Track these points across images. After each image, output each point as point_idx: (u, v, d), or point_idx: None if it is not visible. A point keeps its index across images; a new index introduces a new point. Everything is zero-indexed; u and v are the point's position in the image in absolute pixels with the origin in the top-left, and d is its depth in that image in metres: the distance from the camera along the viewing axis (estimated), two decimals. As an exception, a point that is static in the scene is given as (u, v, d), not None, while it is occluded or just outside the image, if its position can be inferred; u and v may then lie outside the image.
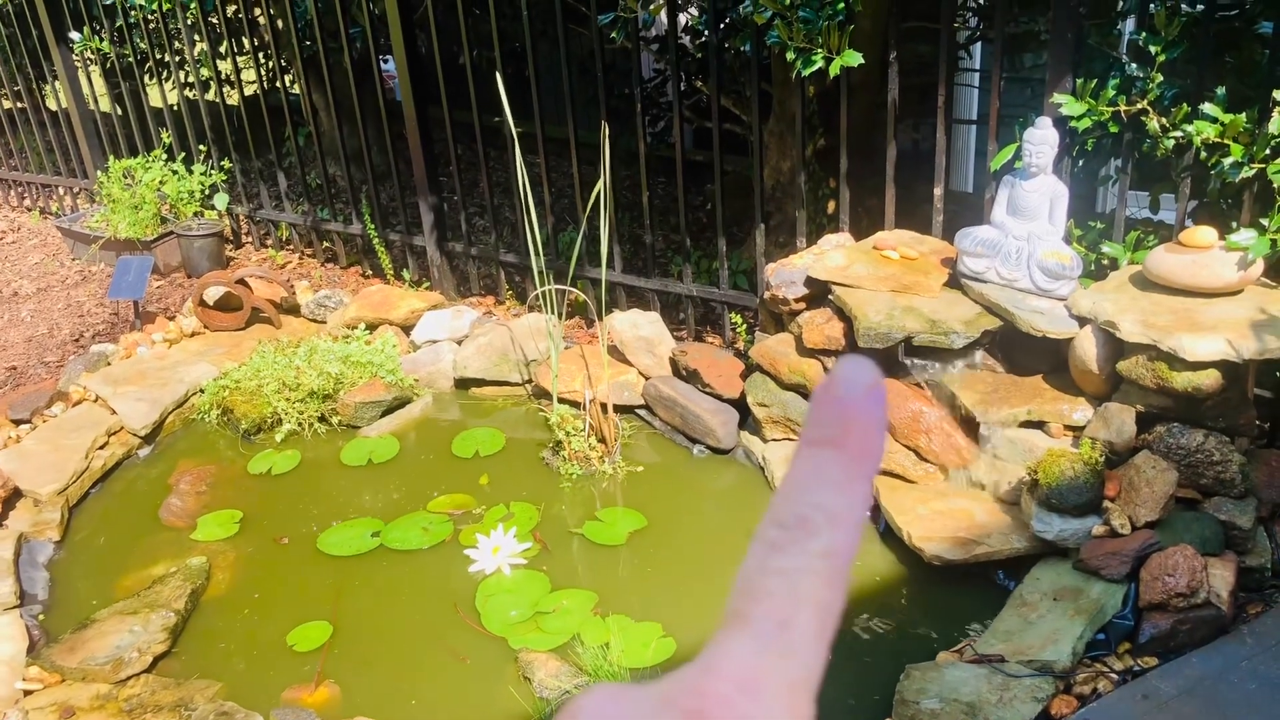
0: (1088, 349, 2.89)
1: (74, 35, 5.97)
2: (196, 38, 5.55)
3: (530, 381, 4.09)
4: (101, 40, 5.93)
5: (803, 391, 3.42)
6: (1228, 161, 2.81)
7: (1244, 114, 2.78)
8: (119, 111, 6.16)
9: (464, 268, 5.02)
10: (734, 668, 0.32)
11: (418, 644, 2.88)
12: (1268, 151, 2.75)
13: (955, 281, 3.27)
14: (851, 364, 0.35)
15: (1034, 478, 2.84)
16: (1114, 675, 2.46)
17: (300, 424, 3.96)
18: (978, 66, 5.49)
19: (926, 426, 3.12)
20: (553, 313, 3.99)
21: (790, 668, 0.32)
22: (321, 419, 4.00)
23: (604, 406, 3.67)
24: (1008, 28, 3.43)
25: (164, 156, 5.73)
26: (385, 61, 5.37)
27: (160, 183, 5.58)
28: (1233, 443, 2.76)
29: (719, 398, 3.70)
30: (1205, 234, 2.83)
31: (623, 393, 3.84)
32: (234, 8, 5.32)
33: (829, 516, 0.33)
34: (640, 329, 3.98)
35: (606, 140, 4.07)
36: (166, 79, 5.88)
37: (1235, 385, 2.76)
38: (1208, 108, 2.82)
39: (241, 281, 4.63)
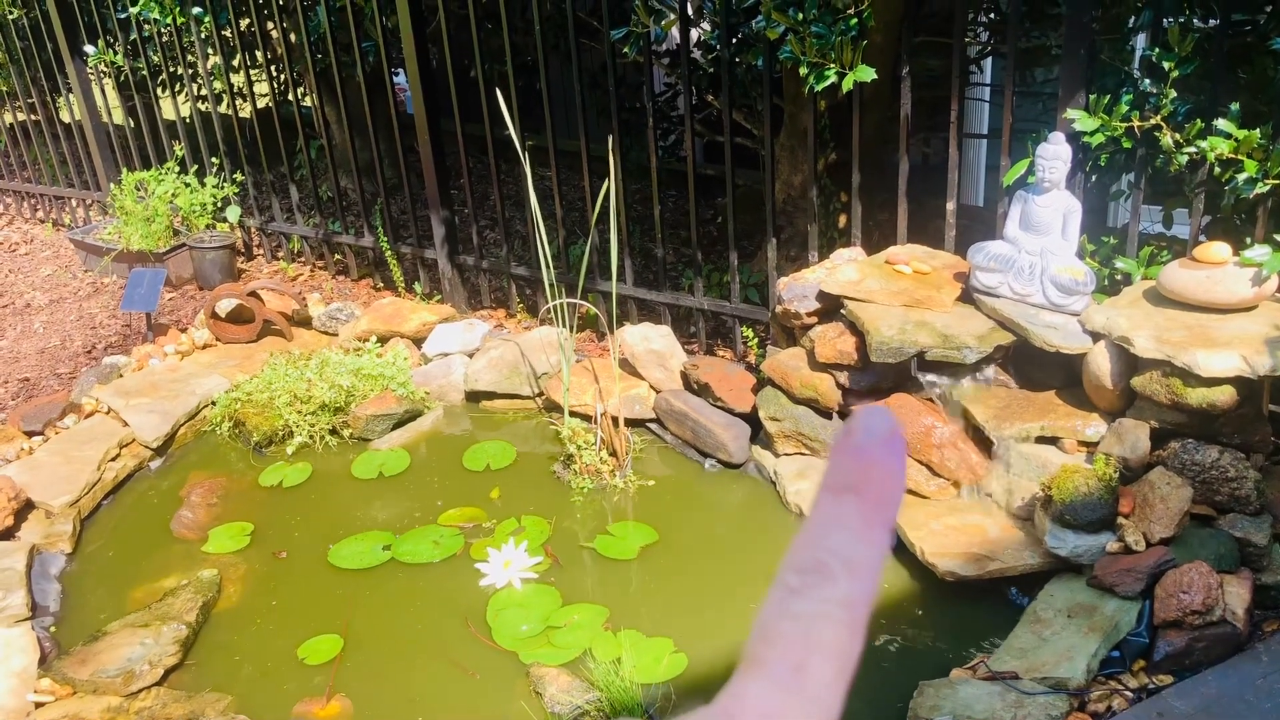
0: (1101, 364, 2.88)
1: (88, 49, 6.01)
2: (210, 51, 5.58)
3: (541, 395, 4.09)
4: (115, 53, 5.97)
5: (815, 406, 3.41)
6: (1242, 177, 2.81)
7: (1258, 130, 2.78)
8: (132, 124, 6.19)
9: (475, 280, 5.03)
10: (749, 711, 0.32)
11: (429, 658, 2.88)
12: (1282, 167, 2.74)
13: (968, 296, 3.27)
14: (870, 413, 0.36)
15: (1048, 493, 2.83)
16: (1129, 693, 2.44)
17: (311, 436, 3.96)
18: (988, 81, 5.49)
19: (939, 441, 3.11)
20: (564, 326, 3.99)
21: (806, 713, 0.32)
22: (333, 431, 4.00)
23: (615, 420, 3.67)
24: (1019, 43, 3.43)
25: (177, 169, 5.75)
26: (397, 74, 5.39)
27: (173, 195, 5.61)
28: (1248, 459, 2.75)
29: (730, 412, 3.69)
30: (1219, 250, 2.83)
31: (634, 406, 3.84)
32: (247, 21, 5.34)
33: (847, 564, 0.34)
34: (651, 342, 3.98)
35: (617, 153, 4.08)
36: (179, 92, 5.91)
37: (1250, 401, 2.75)
38: (1221, 124, 2.82)
39: (253, 294, 4.64)
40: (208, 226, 5.66)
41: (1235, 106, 2.84)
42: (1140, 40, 3.47)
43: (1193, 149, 2.88)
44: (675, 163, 5.99)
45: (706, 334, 4.28)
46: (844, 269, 3.45)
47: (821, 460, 3.45)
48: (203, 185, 5.70)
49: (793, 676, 0.32)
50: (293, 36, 5.51)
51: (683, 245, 5.52)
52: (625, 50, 3.88)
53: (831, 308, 3.41)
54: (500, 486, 3.64)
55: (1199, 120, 2.87)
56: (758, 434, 3.63)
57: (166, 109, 6.07)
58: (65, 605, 3.24)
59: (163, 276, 4.87)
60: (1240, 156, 2.81)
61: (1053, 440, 3.00)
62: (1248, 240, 2.90)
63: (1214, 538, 2.66)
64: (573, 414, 3.82)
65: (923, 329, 3.12)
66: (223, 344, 4.69)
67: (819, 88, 3.30)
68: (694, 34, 4.48)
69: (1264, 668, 2.44)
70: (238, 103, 5.63)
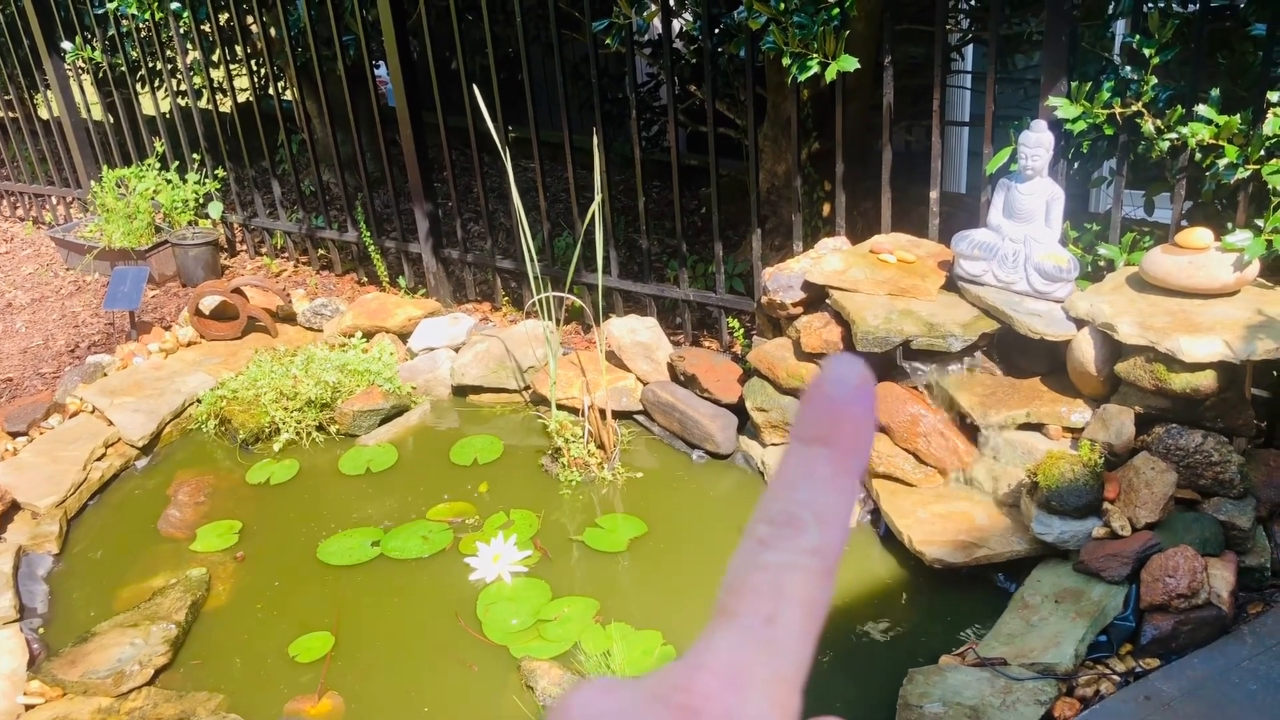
0: (1085, 351, 2.89)
1: (66, 45, 5.96)
2: (189, 46, 5.54)
3: (528, 388, 4.09)
4: (93, 49, 5.92)
5: (801, 395, 3.41)
6: (1223, 163, 2.83)
7: (1238, 115, 2.79)
8: (111, 120, 6.14)
9: (460, 274, 5.01)
10: (720, 662, 0.32)
11: (419, 653, 2.88)
12: (1262, 153, 2.76)
13: (952, 284, 3.28)
14: (840, 361, 0.36)
15: (1033, 480, 2.85)
16: (1116, 677, 2.46)
17: (298, 433, 3.95)
18: (969, 68, 5.50)
19: (925, 430, 3.12)
20: (550, 319, 3.99)
21: (776, 663, 0.32)
22: (319, 428, 3.99)
23: (602, 412, 3.67)
24: (1000, 29, 3.43)
25: (157, 165, 5.72)
26: (379, 68, 5.37)
27: (154, 192, 5.57)
28: (1231, 443, 2.77)
29: (717, 402, 3.70)
30: (1201, 235, 2.84)
31: (621, 398, 3.84)
32: (226, 16, 5.31)
33: (817, 514, 0.34)
34: (637, 334, 3.98)
35: (601, 145, 4.07)
36: (159, 87, 5.87)
37: (1233, 386, 2.77)
38: (1202, 109, 2.83)
39: (237, 290, 4.62)
40: (190, 223, 5.63)
41: (1215, 92, 2.85)
42: (1121, 26, 3.48)
43: (1174, 135, 2.90)
44: (659, 153, 5.99)
45: (692, 325, 4.29)
46: (829, 258, 3.45)
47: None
48: (184, 181, 5.67)
49: (763, 627, 0.32)
50: (273, 30, 5.48)
51: (667, 236, 5.52)
52: (608, 41, 3.87)
53: (817, 297, 3.42)
54: (488, 481, 3.64)
55: (1180, 106, 2.88)
56: (745, 424, 3.64)
57: (146, 105, 6.03)
58: (53, 606, 3.23)
59: (145, 274, 4.84)
60: (1221, 142, 2.82)
61: (1038, 427, 3.01)
62: (1229, 225, 2.92)
63: (1198, 522, 2.68)
64: (560, 407, 3.82)
65: (908, 318, 3.13)
66: (207, 341, 4.67)
67: (802, 78, 3.30)
68: (676, 25, 4.47)
69: (1249, 649, 2.46)
70: (218, 98, 5.59)
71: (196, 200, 5.66)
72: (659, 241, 5.48)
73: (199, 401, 4.16)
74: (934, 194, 3.51)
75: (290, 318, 4.84)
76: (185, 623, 3.03)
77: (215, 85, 5.75)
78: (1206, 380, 2.68)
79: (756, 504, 0.35)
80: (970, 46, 5.22)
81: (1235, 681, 2.37)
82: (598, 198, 3.73)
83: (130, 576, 3.31)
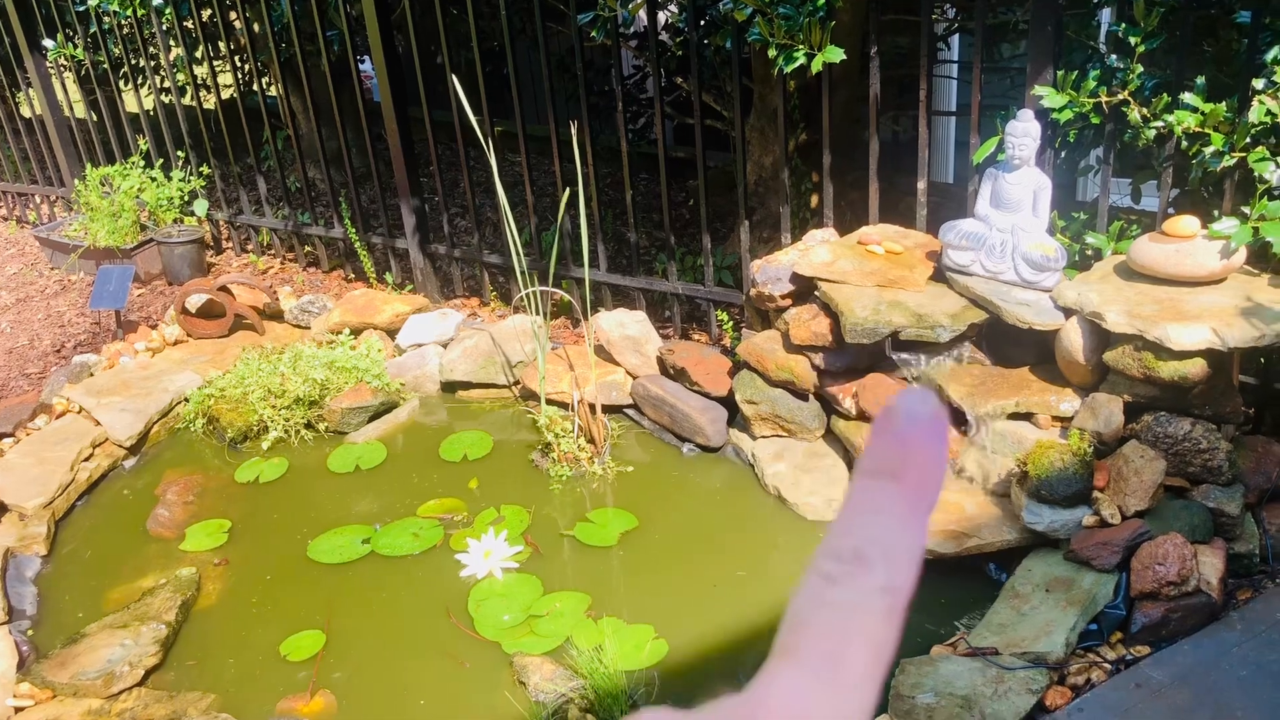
0: (1074, 340, 2.90)
1: (47, 42, 5.91)
2: (172, 43, 5.51)
3: (517, 383, 4.08)
4: (75, 47, 5.88)
5: (791, 388, 3.42)
6: (1208, 150, 2.83)
7: (1224, 103, 2.79)
8: (94, 118, 6.11)
9: (447, 269, 5.00)
10: (783, 701, 0.31)
11: (411, 651, 2.87)
12: (1248, 140, 2.76)
13: (940, 275, 3.28)
14: (911, 396, 0.35)
15: (1023, 469, 2.85)
16: (1107, 665, 2.47)
17: (287, 431, 3.94)
18: (955, 58, 5.50)
19: (915, 420, 3.12)
20: (538, 313, 3.98)
21: (840, 704, 0.31)
22: (308, 425, 3.98)
23: (592, 407, 3.67)
24: (986, 19, 3.43)
25: (142, 163, 5.69)
26: (363, 62, 5.34)
27: (139, 190, 5.54)
28: (1219, 430, 2.78)
29: (707, 396, 3.70)
30: (1188, 223, 2.85)
31: (610, 393, 3.84)
32: (209, 12, 5.27)
33: (885, 551, 0.33)
34: (626, 328, 3.97)
35: (587, 137, 4.06)
36: (142, 85, 5.84)
37: (1221, 373, 2.78)
38: (1188, 97, 2.84)
39: (224, 288, 4.60)
40: (175, 221, 5.60)
41: (1201, 80, 2.85)
42: (1106, 15, 3.48)
43: (1160, 123, 2.90)
44: (646, 146, 5.97)
45: (681, 318, 4.28)
46: (817, 250, 3.45)
47: (799, 442, 3.46)
48: (169, 179, 5.64)
49: (827, 666, 0.32)
50: (256, 26, 5.44)
51: (655, 229, 5.51)
52: (593, 34, 3.86)
53: (805, 289, 3.42)
54: (478, 476, 3.63)
55: (1165, 94, 2.88)
56: (735, 417, 3.64)
57: (130, 102, 5.99)
58: (42, 608, 3.21)
59: (131, 273, 4.81)
60: (1207, 130, 2.83)
61: (1027, 416, 3.02)
62: (1215, 213, 2.92)
63: (1188, 509, 2.69)
64: (549, 402, 3.81)
65: (896, 309, 3.13)
66: (194, 340, 4.64)
67: (788, 69, 3.29)
68: (661, 16, 4.46)
69: (1238, 635, 2.47)
70: (202, 95, 5.56)
71: (181, 198, 5.63)
72: (647, 234, 5.47)
73: (186, 400, 4.15)
74: (921, 184, 3.51)
75: (277, 315, 4.82)
76: (175, 623, 3.02)
77: (199, 82, 5.71)
78: (1194, 368, 2.69)
79: (822, 539, 0.34)
80: (956, 36, 5.22)
81: (1225, 668, 2.38)
82: (582, 191, 3.71)
83: (119, 577, 3.29)
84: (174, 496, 3.70)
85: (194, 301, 4.64)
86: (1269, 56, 2.74)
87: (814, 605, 0.33)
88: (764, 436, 3.51)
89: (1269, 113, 2.71)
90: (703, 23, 3.82)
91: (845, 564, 0.33)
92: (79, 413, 4.06)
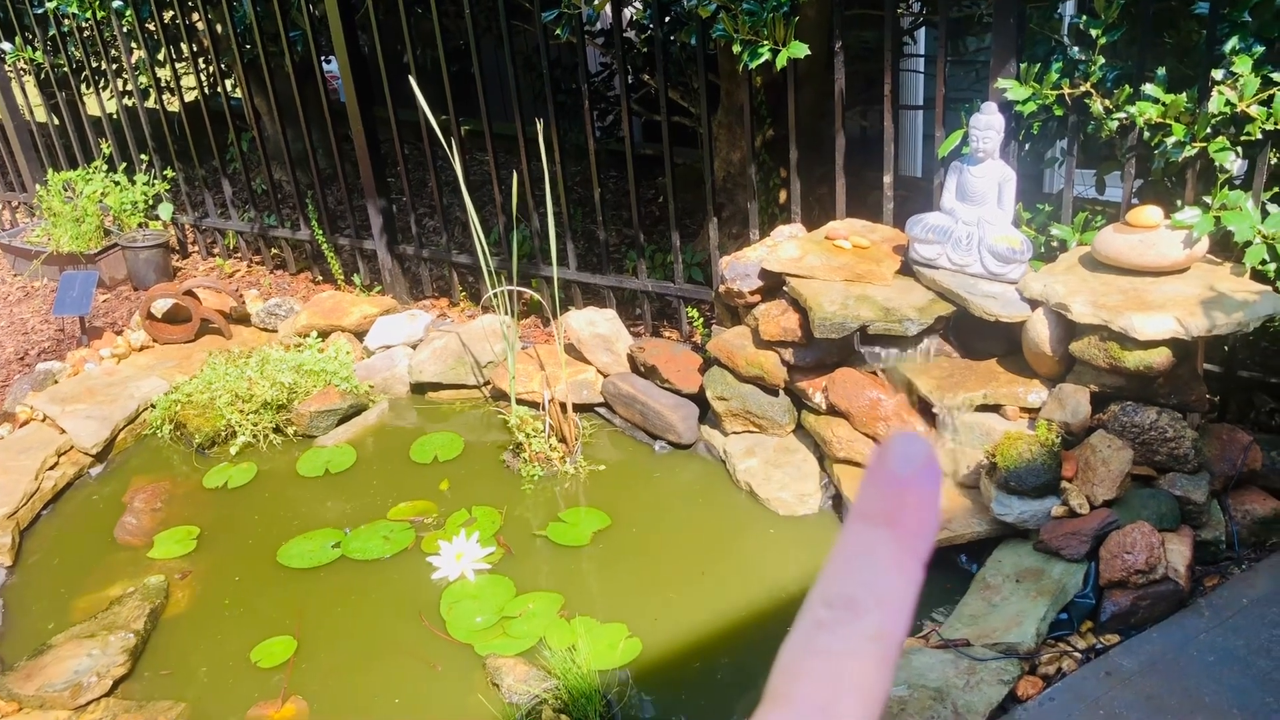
0: (1040, 331, 2.91)
1: (5, 46, 5.83)
2: (133, 45, 5.45)
3: (488, 384, 4.06)
4: (35, 50, 5.81)
5: (761, 384, 3.42)
6: (1170, 141, 2.85)
7: (1184, 94, 2.81)
8: (56, 122, 6.03)
9: (416, 270, 4.97)
10: None
11: (384, 654, 2.85)
12: (1208, 130, 2.78)
13: (908, 269, 3.29)
14: (905, 440, 0.34)
15: (992, 461, 2.87)
16: (1077, 654, 2.48)
17: (255, 436, 3.90)
18: (922, 52, 5.52)
19: (884, 414, 3.13)
20: (507, 313, 3.96)
21: None
22: (276, 430, 3.94)
23: (563, 406, 3.66)
24: (951, 12, 3.44)
25: (105, 167, 5.62)
26: (328, 63, 5.30)
27: (102, 194, 5.47)
28: (1185, 419, 2.80)
29: (678, 393, 3.69)
30: (1151, 213, 2.86)
31: (581, 391, 3.82)
32: (170, 13, 5.22)
33: (879, 598, 0.32)
34: (597, 326, 3.96)
35: (554, 135, 4.05)
36: (104, 88, 5.77)
37: (1185, 362, 2.80)
38: (1149, 88, 2.86)
39: (189, 293, 4.55)
40: (140, 225, 5.54)
41: (1162, 71, 2.87)
42: (1069, 8, 3.50)
43: (1122, 114, 2.91)
44: (614, 143, 5.96)
45: (652, 315, 4.27)
46: (785, 246, 3.45)
47: (769, 437, 3.46)
48: (132, 183, 5.57)
49: (819, 715, 0.31)
50: (218, 27, 5.39)
51: (625, 227, 5.50)
52: (557, 31, 3.84)
53: (774, 285, 3.42)
54: (449, 478, 3.61)
55: (1127, 86, 2.90)
56: (706, 414, 3.64)
57: (91, 105, 5.92)
58: (7, 620, 3.16)
59: (95, 278, 4.75)
60: (1168, 120, 2.85)
61: (996, 408, 3.03)
62: (1178, 203, 2.94)
63: (1155, 497, 2.71)
64: (520, 402, 3.79)
65: (864, 303, 3.13)
66: (160, 345, 4.60)
67: (753, 65, 3.29)
68: (627, 13, 4.45)
69: (1206, 622, 2.49)
70: (165, 97, 5.50)
71: (146, 202, 5.57)
72: (617, 232, 5.46)
73: (153, 406, 4.10)
74: (888, 178, 3.52)
75: (244, 319, 4.78)
76: (144, 631, 2.98)
77: (162, 84, 5.64)
78: (1159, 357, 2.71)
79: (814, 583, 0.33)
80: (923, 30, 5.24)
81: (1193, 654, 2.40)
82: (548, 190, 3.70)
83: (87, 586, 3.25)
84: (141, 504, 3.65)
85: (159, 306, 4.59)
86: (1227, 47, 2.76)
87: (805, 652, 0.32)
88: (735, 433, 3.51)
89: (1228, 103, 2.74)
90: (667, 19, 3.81)
91: (837, 610, 0.32)
92: (43, 421, 4.00)
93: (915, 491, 0.33)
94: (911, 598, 0.33)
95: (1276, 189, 2.96)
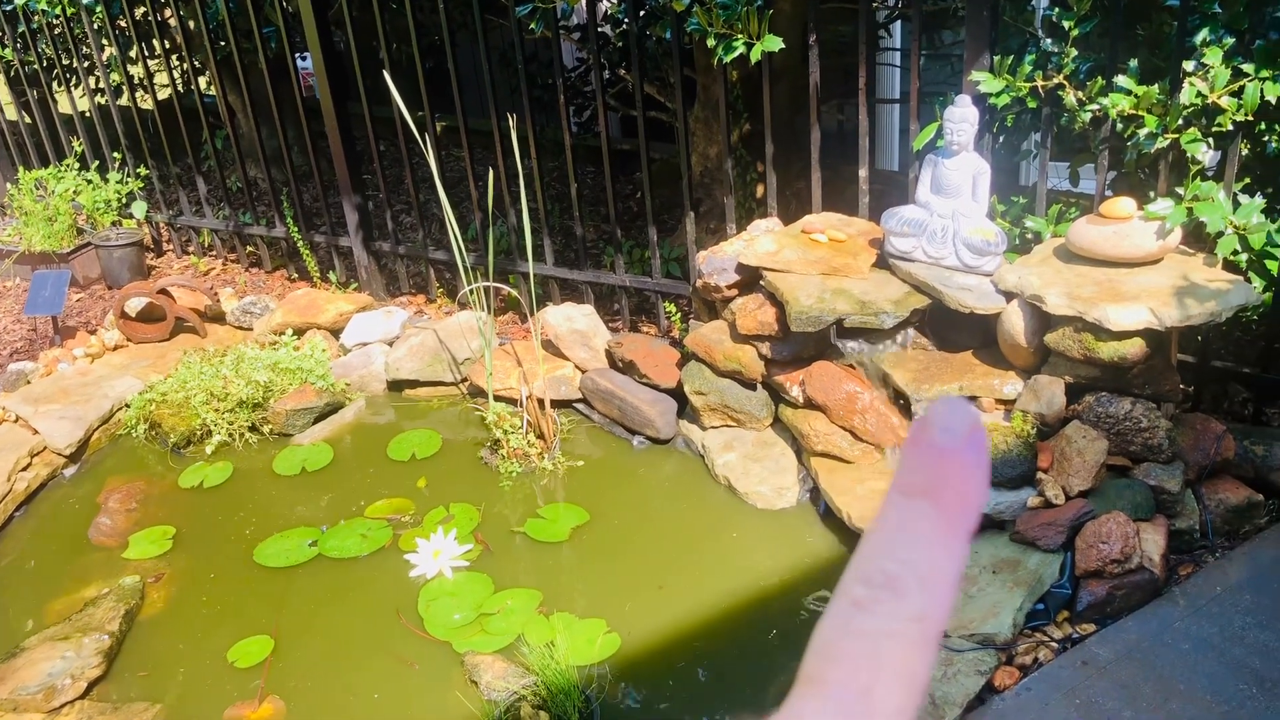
0: (1015, 323, 2.92)
1: (-25, 43, 5.77)
2: (105, 42, 5.40)
3: (465, 380, 4.05)
4: (4, 47, 5.74)
5: (739, 378, 3.42)
6: (1143, 132, 2.86)
7: (1156, 85, 2.82)
8: (27, 120, 5.97)
9: (392, 267, 4.94)
10: None
11: (362, 653, 2.84)
12: (1180, 121, 2.80)
13: (883, 262, 3.29)
14: (948, 406, 0.33)
15: (969, 453, 2.87)
16: (1054, 644, 2.50)
17: (231, 435, 3.87)
18: (898, 45, 5.53)
19: (861, 407, 3.14)
20: (484, 309, 3.95)
21: None
22: (252, 428, 3.92)
23: (541, 402, 3.65)
24: (925, 5, 3.45)
25: (77, 165, 5.56)
26: (303, 59, 5.26)
27: (74, 193, 5.42)
28: (1159, 409, 2.82)
29: (656, 388, 3.69)
30: (1124, 205, 2.88)
31: (559, 387, 3.81)
32: (142, 10, 5.17)
33: (920, 576, 0.31)
34: (574, 322, 3.95)
35: (530, 130, 4.03)
36: (75, 85, 5.71)
37: (1159, 352, 2.82)
38: (1121, 80, 2.87)
39: (164, 291, 4.52)
40: (113, 223, 5.49)
41: (1134, 63, 2.88)
42: (1042, 0, 3.51)
43: (1095, 106, 2.93)
44: (592, 139, 5.94)
45: (630, 311, 4.27)
46: (761, 240, 3.45)
47: (748, 431, 3.46)
48: (105, 181, 5.52)
49: (858, 701, 0.29)
50: (191, 24, 5.34)
51: (603, 222, 5.49)
52: (532, 26, 3.83)
53: (751, 279, 3.42)
54: (427, 475, 3.60)
55: (1100, 78, 2.91)
56: (684, 409, 3.63)
57: (63, 103, 5.86)
58: (-20, 623, 3.13)
59: (67, 277, 4.71)
60: (1140, 112, 2.86)
61: (971, 399, 3.03)
62: (1151, 194, 2.96)
63: (1130, 487, 2.73)
64: (498, 398, 3.78)
65: (841, 296, 3.13)
66: (134, 344, 4.56)
67: (728, 59, 3.28)
68: (602, 7, 4.44)
69: (1181, 610, 2.51)
70: (138, 94, 5.45)
71: (119, 200, 5.52)
72: (595, 228, 5.45)
73: (128, 406, 4.06)
74: (863, 172, 3.52)
75: (219, 317, 4.74)
76: (119, 632, 2.96)
77: (134, 82, 5.59)
78: (1133, 348, 2.72)
79: (850, 560, 0.31)
80: (899, 23, 5.24)
81: (1168, 643, 2.41)
82: (523, 186, 3.69)
83: (61, 588, 3.22)
84: (116, 504, 3.62)
85: (133, 305, 4.55)
86: (1198, 39, 2.78)
87: (842, 633, 0.31)
88: (713, 427, 3.51)
89: (1199, 94, 2.75)
90: (642, 14, 3.80)
91: (876, 589, 0.31)
92: (15, 422, 3.96)
93: (959, 462, 0.32)
94: (956, 576, 0.31)
95: (1248, 180, 2.98)
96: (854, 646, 0.30)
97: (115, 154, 5.65)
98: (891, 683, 0.30)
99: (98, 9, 5.10)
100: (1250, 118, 2.73)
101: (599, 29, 3.99)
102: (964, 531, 0.32)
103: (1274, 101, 2.68)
